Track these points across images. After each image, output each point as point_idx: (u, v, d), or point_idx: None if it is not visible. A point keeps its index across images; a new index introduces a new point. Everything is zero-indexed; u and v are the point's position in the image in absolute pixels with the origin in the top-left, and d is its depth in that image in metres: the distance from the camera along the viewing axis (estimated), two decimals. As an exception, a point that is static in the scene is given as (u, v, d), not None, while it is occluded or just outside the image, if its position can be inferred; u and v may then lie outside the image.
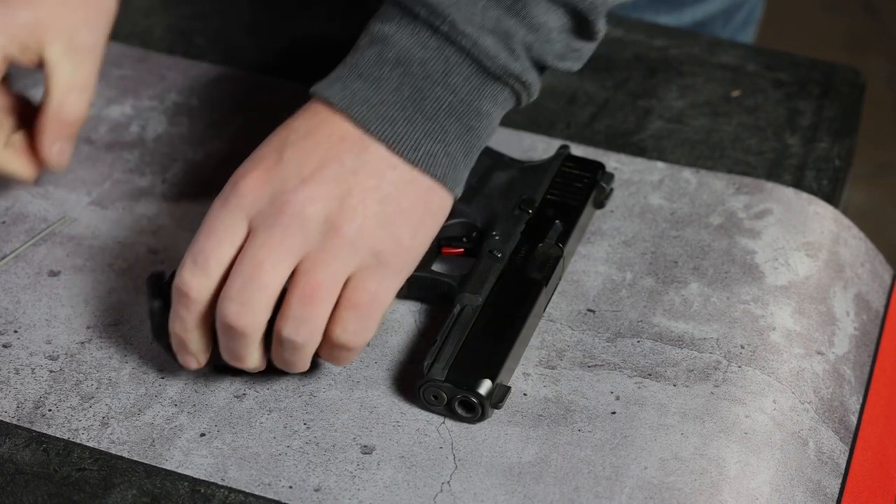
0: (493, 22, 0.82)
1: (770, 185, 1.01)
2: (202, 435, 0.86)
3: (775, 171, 1.03)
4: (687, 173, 1.02)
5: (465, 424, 0.86)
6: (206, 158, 1.03)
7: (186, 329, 0.83)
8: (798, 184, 1.02)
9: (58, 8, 0.94)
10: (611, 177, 0.99)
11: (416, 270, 0.92)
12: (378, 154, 0.81)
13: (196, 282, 0.82)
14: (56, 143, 0.95)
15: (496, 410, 0.87)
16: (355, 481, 0.84)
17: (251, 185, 0.81)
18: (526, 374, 0.89)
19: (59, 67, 0.94)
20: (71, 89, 0.95)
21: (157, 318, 0.86)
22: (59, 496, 0.83)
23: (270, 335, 0.83)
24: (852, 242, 1.00)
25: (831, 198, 1.02)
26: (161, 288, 0.86)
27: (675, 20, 1.27)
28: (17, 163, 0.96)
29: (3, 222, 0.98)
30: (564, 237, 0.94)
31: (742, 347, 0.91)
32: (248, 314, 0.80)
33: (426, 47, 0.82)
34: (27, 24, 0.93)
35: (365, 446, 0.85)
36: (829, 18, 2.56)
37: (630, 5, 1.20)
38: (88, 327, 0.92)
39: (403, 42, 0.82)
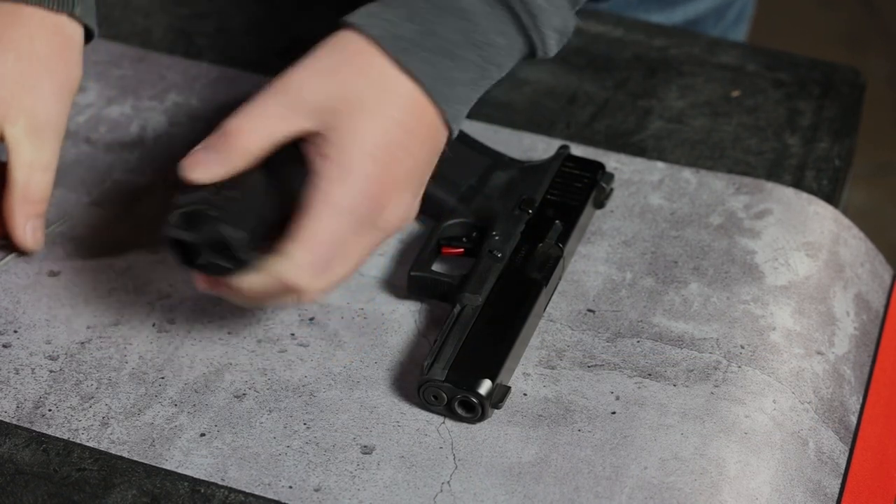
0: None
1: (770, 185, 1.01)
2: (202, 435, 0.86)
3: (775, 171, 1.03)
4: (687, 173, 1.02)
5: (465, 424, 0.86)
6: (206, 158, 1.03)
7: (260, 302, 0.85)
8: (798, 184, 1.02)
9: (19, 86, 0.92)
10: (611, 177, 0.99)
11: (416, 270, 0.92)
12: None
13: (317, 286, 0.83)
14: (28, 223, 0.93)
15: (496, 410, 0.87)
16: (355, 481, 0.84)
17: (380, 202, 0.83)
18: (526, 374, 0.89)
19: (21, 147, 0.92)
20: (34, 169, 0.92)
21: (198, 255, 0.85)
22: (59, 496, 0.83)
23: None
24: (852, 242, 1.00)
25: (831, 198, 1.02)
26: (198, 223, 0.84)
27: (666, 18, 1.27)
28: None
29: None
30: (564, 237, 0.94)
31: (742, 347, 0.91)
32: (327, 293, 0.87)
33: None
34: None
35: (365, 446, 0.85)
36: (829, 18, 2.56)
37: (622, 4, 1.20)
38: (88, 327, 0.92)
39: None
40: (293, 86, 0.83)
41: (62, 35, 0.94)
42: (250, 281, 0.83)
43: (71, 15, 0.94)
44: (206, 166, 0.83)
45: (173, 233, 0.84)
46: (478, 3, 0.83)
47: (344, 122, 0.82)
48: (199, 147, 0.84)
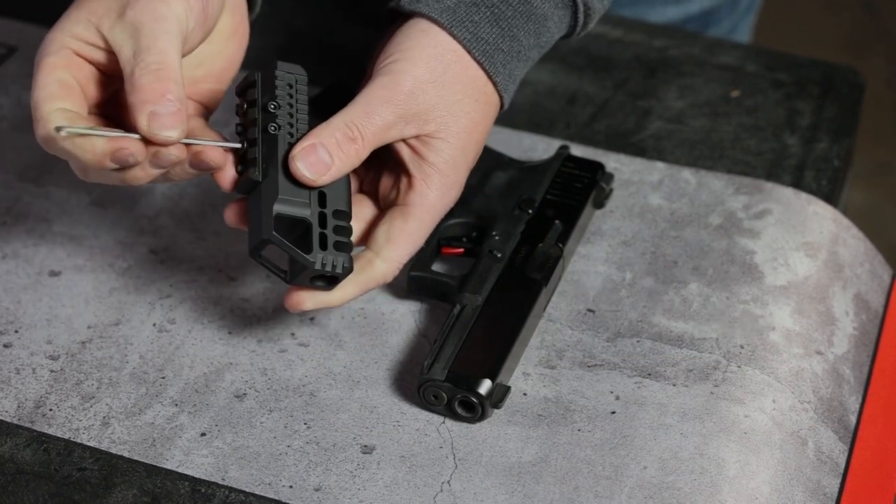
0: None
1: (769, 186, 1.01)
2: (203, 435, 0.86)
3: (775, 171, 1.03)
4: (686, 173, 1.02)
5: (465, 424, 0.87)
6: (206, 158, 1.03)
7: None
8: (797, 184, 1.02)
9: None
10: (610, 177, 0.99)
11: (416, 270, 0.92)
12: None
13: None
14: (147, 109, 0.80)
15: (496, 410, 0.87)
16: (355, 481, 0.84)
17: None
18: (526, 374, 0.89)
19: (123, 49, 0.82)
20: (140, 55, 0.81)
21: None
22: (59, 496, 0.83)
23: None
24: (851, 242, 1.00)
25: (830, 198, 1.02)
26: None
27: (683, 11, 1.27)
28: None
29: (4, 222, 0.98)
30: (564, 237, 0.94)
31: (741, 347, 0.91)
32: None
33: None
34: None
35: (365, 446, 0.85)
36: (829, 19, 2.56)
37: None
38: (89, 327, 0.92)
39: None
40: (408, 94, 0.85)
41: None
42: (347, 293, 0.86)
43: None
44: (326, 170, 0.84)
45: (307, 273, 0.84)
46: (551, 8, 0.89)
47: (449, 130, 0.87)
48: (314, 142, 0.84)
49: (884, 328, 0.97)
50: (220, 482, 0.84)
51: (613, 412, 0.87)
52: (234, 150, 0.85)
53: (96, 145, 0.80)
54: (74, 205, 1.00)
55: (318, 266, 0.83)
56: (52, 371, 0.89)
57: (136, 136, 0.80)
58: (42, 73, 0.82)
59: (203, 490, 0.83)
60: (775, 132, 1.06)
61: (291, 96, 0.86)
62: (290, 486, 0.83)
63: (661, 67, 1.11)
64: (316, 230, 0.83)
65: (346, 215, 0.85)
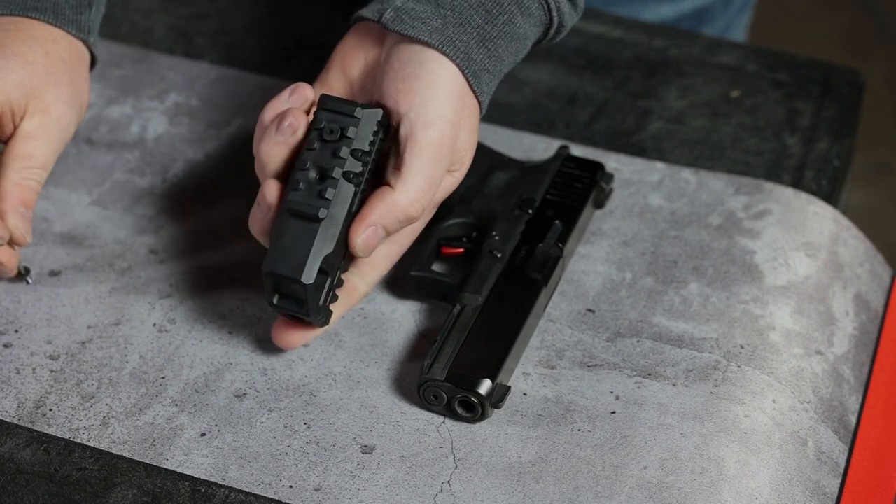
0: None
1: (769, 186, 1.01)
2: (203, 435, 0.86)
3: (775, 171, 1.03)
4: (686, 173, 1.02)
5: (465, 424, 0.87)
6: (206, 158, 1.03)
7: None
8: (797, 184, 1.02)
9: (45, 81, 0.92)
10: (610, 177, 0.99)
11: (416, 270, 0.92)
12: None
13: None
14: (18, 210, 0.91)
15: (496, 410, 0.87)
16: (355, 481, 0.84)
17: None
18: (526, 374, 0.89)
19: (28, 141, 0.91)
20: (33, 165, 0.91)
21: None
22: (59, 496, 0.83)
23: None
24: (851, 242, 1.00)
25: (830, 198, 1.02)
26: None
27: (676, 9, 1.27)
28: None
29: (4, 222, 0.98)
30: (564, 237, 0.94)
31: (741, 347, 0.91)
32: None
33: None
34: (21, 85, 0.91)
35: (365, 446, 0.85)
36: (828, 20, 2.56)
37: None
38: (89, 327, 0.92)
39: None
40: (450, 145, 0.87)
41: (79, 54, 0.94)
42: (333, 319, 0.88)
43: (85, 42, 0.95)
44: (377, 246, 0.87)
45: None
46: (531, 27, 0.90)
47: (466, 164, 0.90)
48: (376, 227, 0.86)
49: (884, 328, 0.97)
50: (220, 482, 0.84)
51: (613, 412, 0.87)
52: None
53: None
54: (74, 205, 1.00)
55: (315, 321, 0.86)
56: (52, 371, 0.89)
57: None
58: None
59: (203, 490, 0.83)
60: (775, 132, 1.06)
61: (374, 146, 0.86)
62: (290, 486, 0.83)
63: (661, 67, 1.11)
64: (329, 285, 0.85)
65: (349, 265, 0.88)
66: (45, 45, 0.92)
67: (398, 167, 0.86)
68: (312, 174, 0.85)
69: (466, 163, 0.89)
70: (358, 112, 0.86)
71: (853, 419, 0.91)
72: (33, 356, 0.90)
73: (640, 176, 1.02)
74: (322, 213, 0.84)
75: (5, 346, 0.91)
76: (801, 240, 0.98)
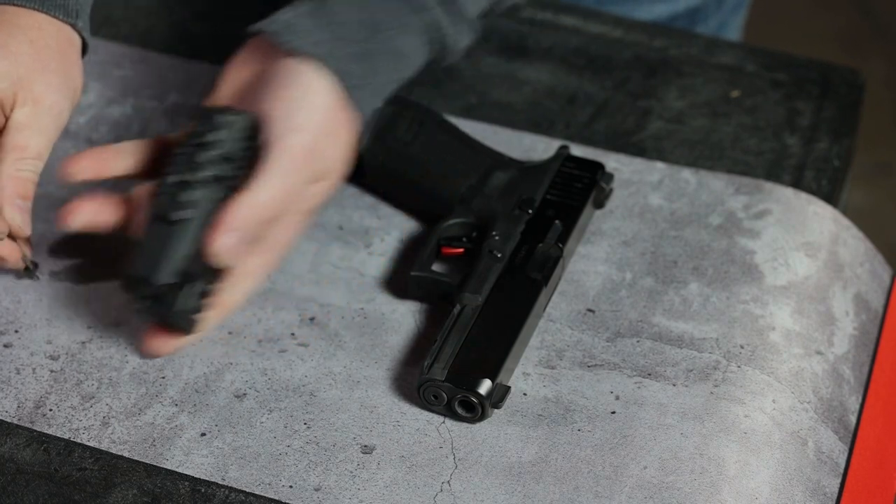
0: None
1: (769, 186, 1.01)
2: (203, 434, 0.86)
3: (774, 171, 1.03)
4: (686, 173, 1.02)
5: (465, 424, 0.87)
6: (206, 158, 1.03)
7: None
8: (797, 184, 1.02)
9: (32, 70, 0.91)
10: (610, 177, 0.99)
11: (416, 270, 0.92)
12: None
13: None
14: (16, 202, 0.91)
15: (496, 410, 0.87)
16: (355, 481, 0.84)
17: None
18: (526, 374, 0.89)
19: (21, 132, 0.91)
20: (28, 155, 0.91)
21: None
22: (59, 496, 0.83)
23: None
24: (851, 242, 1.00)
25: (830, 198, 1.02)
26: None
27: (669, 8, 1.27)
28: None
29: (4, 222, 0.98)
30: (564, 237, 0.94)
31: (741, 347, 0.91)
32: None
33: None
34: (7, 75, 0.91)
35: (365, 446, 0.85)
36: (828, 20, 2.56)
37: None
38: (89, 327, 0.92)
39: None
40: (311, 154, 0.87)
41: (67, 39, 0.94)
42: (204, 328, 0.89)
43: (73, 26, 0.94)
44: (239, 254, 0.87)
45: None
46: (415, 45, 0.90)
47: (335, 176, 0.90)
48: (237, 233, 0.86)
49: (884, 328, 0.97)
50: (220, 482, 0.84)
51: (613, 412, 0.87)
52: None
53: None
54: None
55: (175, 323, 0.86)
56: (52, 371, 0.89)
57: None
58: None
59: (203, 490, 0.83)
60: (775, 132, 1.06)
61: (244, 152, 0.87)
62: (290, 486, 0.83)
63: (661, 67, 1.11)
64: (192, 290, 0.86)
65: (217, 279, 0.87)
66: (30, 34, 0.92)
67: (257, 171, 0.86)
68: (176, 179, 0.86)
69: (336, 174, 0.89)
70: (222, 118, 0.86)
71: (853, 419, 0.91)
72: (33, 356, 0.90)
73: (640, 176, 1.02)
74: (176, 215, 0.84)
75: (5, 346, 0.91)
76: (801, 240, 0.98)
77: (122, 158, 0.91)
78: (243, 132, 0.86)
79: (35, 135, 0.91)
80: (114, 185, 0.92)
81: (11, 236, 0.91)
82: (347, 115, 0.88)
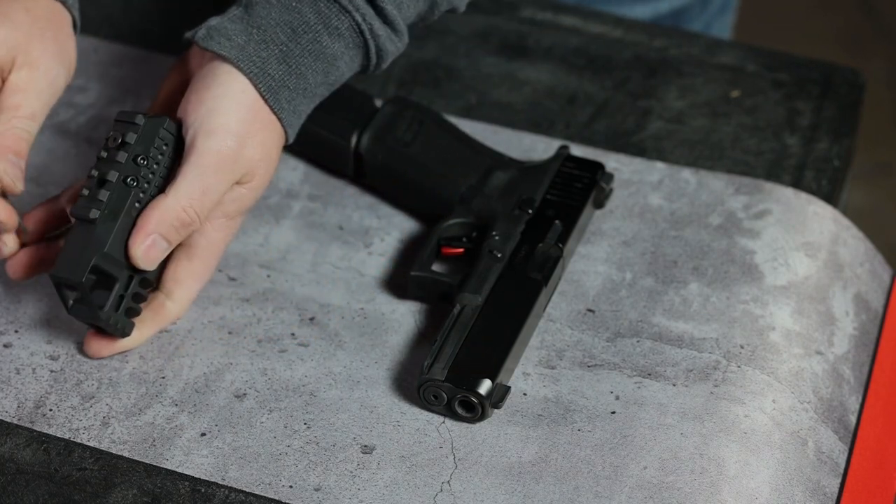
0: None
1: (769, 186, 1.01)
2: (203, 435, 0.86)
3: (775, 171, 1.03)
4: (686, 173, 1.02)
5: (465, 424, 0.87)
6: (206, 158, 1.03)
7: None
8: (797, 184, 1.02)
9: (29, 36, 0.91)
10: (610, 177, 0.99)
11: (416, 270, 0.92)
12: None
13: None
14: (6, 161, 0.89)
15: (496, 410, 0.87)
16: (355, 481, 0.84)
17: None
18: (526, 374, 0.89)
19: (16, 95, 0.90)
20: (22, 115, 0.90)
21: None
22: (59, 496, 0.83)
23: None
24: (851, 242, 1.00)
25: (830, 198, 1.02)
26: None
27: (652, 10, 1.27)
28: None
29: (4, 222, 0.98)
30: (564, 237, 0.94)
31: (741, 347, 0.91)
32: None
33: None
34: (5, 41, 0.90)
35: (365, 446, 0.85)
36: (828, 20, 2.56)
37: None
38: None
39: None
40: (235, 155, 0.87)
41: (60, 13, 0.94)
42: (143, 335, 0.90)
43: (63, 3, 0.94)
44: (161, 257, 0.88)
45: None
46: (342, 48, 0.90)
47: (263, 179, 0.90)
48: (154, 236, 0.87)
49: (884, 328, 0.97)
50: (220, 482, 0.84)
51: (613, 412, 0.87)
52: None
53: None
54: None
55: (104, 324, 0.87)
56: (52, 371, 0.89)
57: None
58: None
59: (203, 490, 0.83)
60: (775, 132, 1.06)
61: (162, 154, 0.87)
62: (290, 486, 0.83)
63: (661, 67, 1.11)
64: (117, 291, 0.86)
65: (151, 284, 0.89)
66: (26, 4, 0.92)
67: (175, 174, 0.87)
68: (95, 181, 0.86)
69: (260, 175, 0.89)
70: (139, 119, 0.87)
71: (853, 419, 0.91)
72: (33, 356, 0.90)
73: (640, 176, 1.02)
74: (93, 213, 0.85)
75: (5, 346, 0.91)
76: (801, 240, 0.98)
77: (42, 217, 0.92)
78: (161, 134, 0.87)
79: (30, 97, 0.91)
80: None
81: (4, 196, 0.90)
82: (270, 117, 0.88)
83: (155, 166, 0.87)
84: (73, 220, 0.86)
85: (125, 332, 0.88)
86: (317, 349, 0.91)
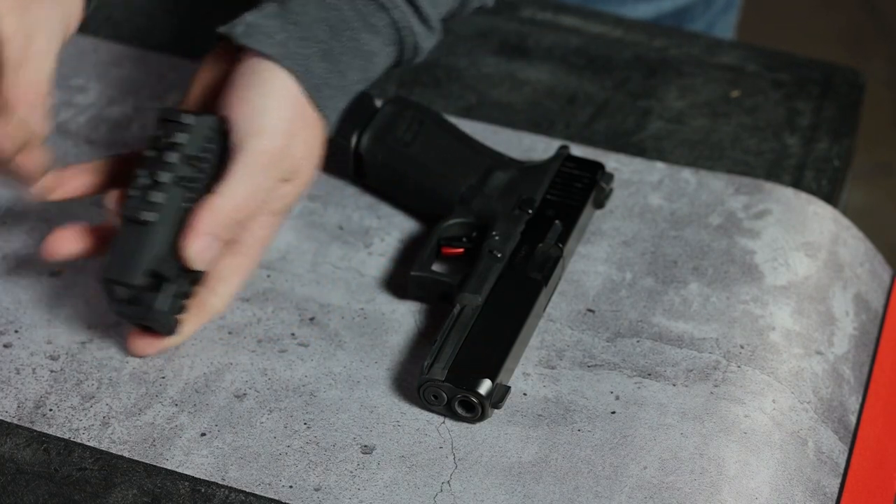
0: None
1: (769, 186, 1.01)
2: (203, 435, 0.86)
3: (775, 171, 1.03)
4: (686, 173, 1.02)
5: (465, 424, 0.87)
6: (206, 158, 1.03)
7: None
8: (797, 184, 1.02)
9: None
10: (610, 177, 0.99)
11: (416, 270, 0.92)
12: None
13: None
14: (33, 108, 0.86)
15: (496, 410, 0.87)
16: (355, 481, 0.84)
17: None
18: (526, 374, 0.89)
19: (12, 42, 0.86)
20: (32, 56, 0.87)
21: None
22: (59, 496, 0.83)
23: None
24: (851, 242, 1.00)
25: (830, 198, 1.02)
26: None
27: (655, 9, 1.27)
28: None
29: (4, 222, 0.99)
30: (564, 237, 0.94)
31: (741, 347, 0.91)
32: None
33: None
34: None
35: (365, 446, 0.85)
36: (829, 19, 2.56)
37: None
38: (89, 327, 0.92)
39: None
40: (280, 155, 0.87)
41: None
42: (186, 333, 0.90)
43: None
44: (213, 257, 0.88)
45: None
46: (380, 45, 0.90)
47: (305, 176, 0.90)
48: (208, 236, 0.86)
49: (884, 328, 0.97)
50: (220, 482, 0.84)
51: (613, 412, 0.87)
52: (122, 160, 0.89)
53: None
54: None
55: (155, 324, 0.87)
56: (52, 371, 0.89)
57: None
58: None
59: (203, 490, 0.83)
60: (775, 132, 1.06)
61: (210, 154, 0.87)
62: (290, 486, 0.83)
63: (661, 67, 1.11)
64: (169, 291, 0.86)
65: (197, 281, 0.88)
66: None
67: (223, 173, 0.87)
68: (145, 181, 0.86)
69: (304, 173, 0.89)
70: (188, 119, 0.87)
71: (853, 419, 0.91)
72: (33, 356, 0.90)
73: (640, 176, 1.02)
74: (147, 216, 0.85)
75: (5, 346, 0.91)
76: (801, 240, 0.98)
77: (87, 177, 0.91)
78: (209, 134, 0.87)
79: (36, 38, 0.88)
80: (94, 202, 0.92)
81: (30, 143, 0.88)
82: (313, 114, 0.89)
83: (203, 166, 0.87)
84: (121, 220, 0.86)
85: (174, 331, 0.88)
86: (317, 349, 0.91)
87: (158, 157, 0.86)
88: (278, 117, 0.87)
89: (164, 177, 0.85)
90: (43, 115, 0.88)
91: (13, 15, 0.88)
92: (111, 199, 0.89)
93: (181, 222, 0.86)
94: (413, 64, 0.93)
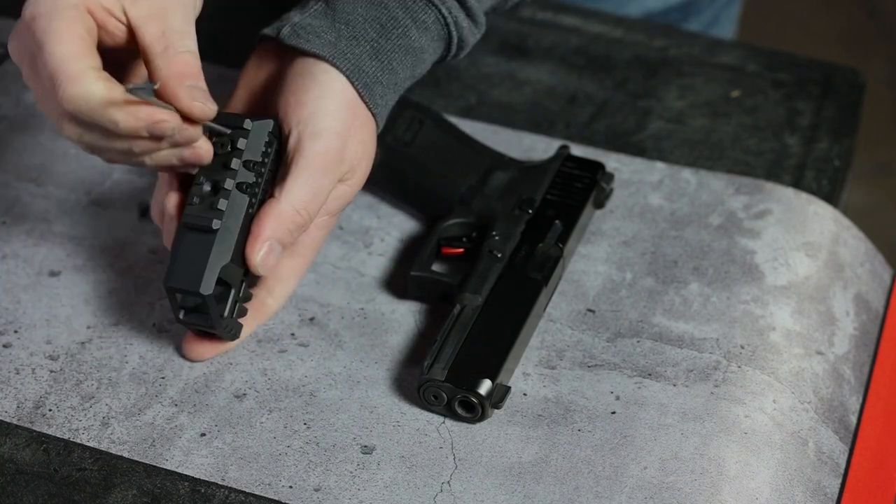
0: None
1: (770, 186, 1.01)
2: (202, 435, 0.86)
3: (775, 171, 1.03)
4: (687, 173, 1.02)
5: (465, 424, 0.86)
6: (206, 158, 1.03)
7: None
8: (798, 184, 1.02)
9: None
10: (611, 177, 0.99)
11: (416, 270, 0.92)
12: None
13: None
14: (186, 84, 0.83)
15: (496, 410, 0.87)
16: (355, 481, 0.84)
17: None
18: (526, 374, 0.89)
19: (153, 21, 0.84)
20: (172, 36, 0.84)
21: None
22: (59, 496, 0.83)
23: None
24: (852, 242, 1.00)
25: (831, 198, 1.02)
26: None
27: (663, 2, 1.27)
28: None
29: (4, 222, 0.98)
30: (564, 237, 0.94)
31: (742, 347, 0.91)
32: None
33: None
34: None
35: (365, 446, 0.85)
36: (829, 19, 2.56)
37: None
38: (89, 327, 0.92)
39: None
40: (339, 156, 0.87)
41: None
42: (243, 335, 0.90)
43: None
44: (276, 261, 0.88)
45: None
46: (428, 41, 0.90)
47: (361, 175, 0.90)
48: (272, 242, 0.86)
49: (884, 328, 0.97)
50: (220, 482, 0.84)
51: (613, 412, 0.87)
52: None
53: (139, 113, 0.80)
54: (74, 205, 1.00)
55: (219, 331, 0.87)
56: (51, 371, 0.89)
57: (171, 107, 0.81)
58: (62, 24, 0.81)
59: (203, 490, 0.83)
60: (775, 132, 1.06)
61: (268, 157, 0.87)
62: (290, 486, 0.83)
63: (661, 67, 1.11)
64: (232, 297, 0.86)
65: (255, 284, 0.89)
66: None
67: (284, 177, 0.86)
68: (206, 187, 0.85)
69: (360, 172, 0.89)
70: (247, 124, 0.86)
71: (853, 419, 0.91)
72: (33, 356, 0.90)
73: (640, 176, 1.02)
74: (215, 224, 0.84)
75: (5, 346, 0.91)
76: (801, 240, 0.98)
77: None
78: (267, 138, 0.87)
79: (168, 19, 0.85)
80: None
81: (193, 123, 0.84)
82: (366, 113, 0.88)
83: (263, 170, 0.86)
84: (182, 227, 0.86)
85: (236, 335, 0.88)
86: (317, 349, 0.91)
87: (218, 162, 0.85)
88: (335, 118, 0.87)
89: (228, 183, 0.85)
90: (204, 91, 0.83)
91: (140, 1, 0.86)
92: (172, 203, 0.87)
93: (245, 229, 0.85)
94: (458, 59, 0.93)
